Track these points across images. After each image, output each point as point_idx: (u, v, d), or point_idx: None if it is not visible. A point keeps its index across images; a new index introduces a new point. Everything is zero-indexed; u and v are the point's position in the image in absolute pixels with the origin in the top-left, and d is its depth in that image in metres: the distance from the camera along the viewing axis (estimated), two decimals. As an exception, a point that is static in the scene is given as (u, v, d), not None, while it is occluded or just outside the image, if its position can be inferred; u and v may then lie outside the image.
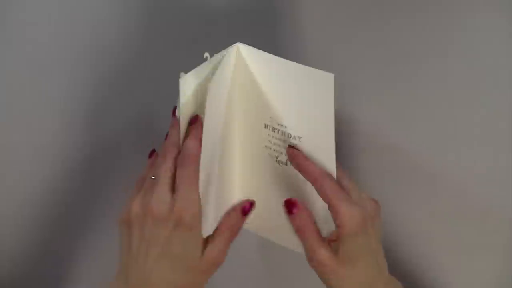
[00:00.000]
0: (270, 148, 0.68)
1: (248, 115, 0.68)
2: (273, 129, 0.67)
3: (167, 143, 0.64)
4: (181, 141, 0.64)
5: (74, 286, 0.82)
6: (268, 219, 0.70)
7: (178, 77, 0.62)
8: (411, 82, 0.77)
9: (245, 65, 0.65)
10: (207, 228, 0.65)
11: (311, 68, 0.61)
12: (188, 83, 0.63)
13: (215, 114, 0.64)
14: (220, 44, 0.65)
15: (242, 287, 0.81)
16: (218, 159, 0.66)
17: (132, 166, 0.71)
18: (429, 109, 0.77)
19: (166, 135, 0.65)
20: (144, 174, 0.66)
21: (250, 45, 0.64)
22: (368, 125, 0.77)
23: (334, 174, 0.65)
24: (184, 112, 0.64)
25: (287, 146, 0.66)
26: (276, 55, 0.63)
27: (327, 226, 0.66)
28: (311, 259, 0.64)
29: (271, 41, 0.79)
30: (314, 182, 0.63)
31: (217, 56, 0.64)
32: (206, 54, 0.64)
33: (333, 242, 0.64)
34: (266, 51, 0.64)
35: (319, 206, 0.66)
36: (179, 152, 0.63)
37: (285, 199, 0.66)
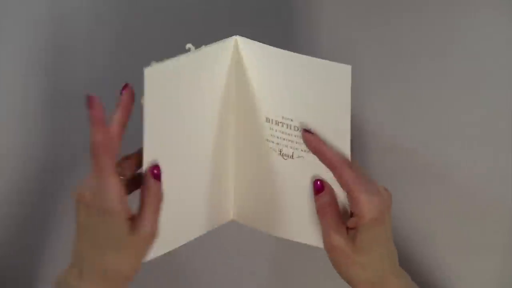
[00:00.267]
0: (273, 142, 0.67)
1: (246, 109, 0.67)
2: (277, 123, 0.66)
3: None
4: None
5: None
6: (264, 212, 0.69)
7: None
8: (410, 82, 0.78)
9: (243, 58, 0.65)
10: (203, 225, 0.67)
11: (326, 61, 0.61)
12: (161, 74, 0.61)
13: (204, 108, 0.64)
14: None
15: (247, 284, 0.81)
16: (209, 153, 0.66)
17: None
18: (431, 110, 0.78)
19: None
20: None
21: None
22: (373, 125, 0.78)
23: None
24: (150, 103, 0.61)
25: (302, 130, 0.65)
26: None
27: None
28: (327, 242, 0.64)
29: (271, 41, 0.79)
30: (333, 169, 0.63)
31: (206, 49, 0.63)
32: (189, 45, 0.62)
33: (350, 230, 0.64)
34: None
35: None
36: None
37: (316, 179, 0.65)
